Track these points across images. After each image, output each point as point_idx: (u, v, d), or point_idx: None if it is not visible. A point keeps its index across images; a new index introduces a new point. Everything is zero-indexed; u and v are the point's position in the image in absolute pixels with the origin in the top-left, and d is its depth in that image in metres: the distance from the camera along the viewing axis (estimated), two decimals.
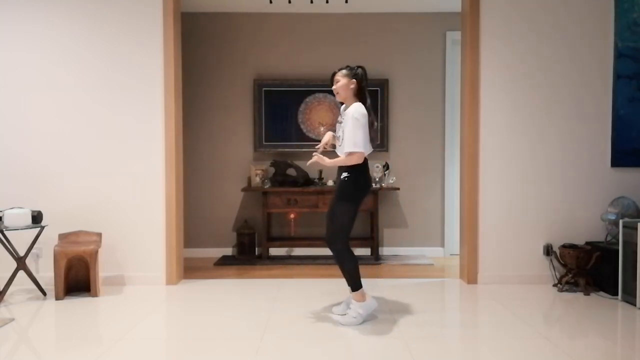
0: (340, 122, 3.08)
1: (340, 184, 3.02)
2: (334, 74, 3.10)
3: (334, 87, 3.10)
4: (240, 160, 5.26)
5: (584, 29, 4.00)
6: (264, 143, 5.22)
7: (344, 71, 3.07)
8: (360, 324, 3.00)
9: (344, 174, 3.00)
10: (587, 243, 3.93)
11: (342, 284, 4.06)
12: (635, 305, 3.39)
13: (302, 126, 5.21)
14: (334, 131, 3.18)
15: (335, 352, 2.61)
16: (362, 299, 3.04)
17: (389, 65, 5.24)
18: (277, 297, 3.65)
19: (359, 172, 3.01)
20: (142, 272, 3.99)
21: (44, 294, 3.67)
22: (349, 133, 2.94)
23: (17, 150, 3.94)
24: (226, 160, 5.27)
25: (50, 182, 3.95)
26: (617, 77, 3.98)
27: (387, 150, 5.22)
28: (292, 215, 4.98)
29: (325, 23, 5.24)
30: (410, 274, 4.43)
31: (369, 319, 3.08)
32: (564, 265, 3.83)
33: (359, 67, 3.10)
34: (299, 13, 5.20)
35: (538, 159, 4.03)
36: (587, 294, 3.70)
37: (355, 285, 3.04)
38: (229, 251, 5.30)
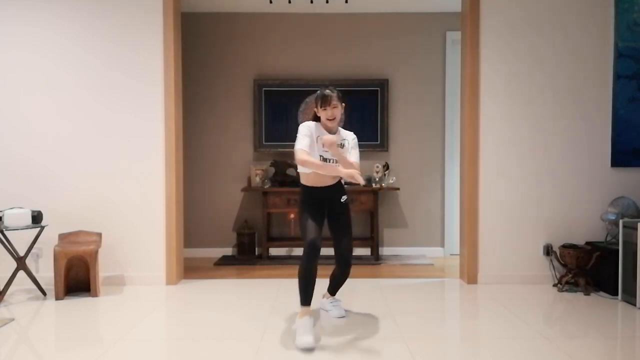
0: (342, 145, 2.99)
1: (346, 207, 3.06)
2: (329, 96, 2.93)
3: (332, 113, 2.94)
4: (240, 160, 5.26)
5: (584, 29, 4.00)
6: (264, 143, 5.22)
7: (336, 95, 2.96)
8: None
9: (345, 197, 3.05)
10: (587, 243, 3.93)
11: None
12: (635, 305, 3.39)
13: None
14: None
15: (335, 352, 2.61)
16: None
17: (389, 65, 5.25)
18: (277, 297, 3.65)
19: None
20: (142, 272, 3.99)
21: (44, 294, 3.67)
22: (356, 150, 3.04)
23: (17, 150, 3.95)
24: (226, 160, 5.28)
25: (50, 182, 3.95)
26: (617, 77, 3.98)
27: (387, 150, 5.22)
28: (292, 215, 4.98)
29: (325, 23, 5.25)
30: (410, 274, 4.43)
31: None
32: (564, 265, 3.83)
33: (334, 88, 3.03)
34: (299, 13, 5.20)
35: (538, 159, 4.03)
36: (587, 294, 3.70)
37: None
38: (229, 251, 5.30)
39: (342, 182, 3.08)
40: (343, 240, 3.01)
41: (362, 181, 2.75)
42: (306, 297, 2.81)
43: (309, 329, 2.70)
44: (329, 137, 2.86)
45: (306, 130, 2.94)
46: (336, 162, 2.92)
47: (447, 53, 5.22)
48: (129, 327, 2.99)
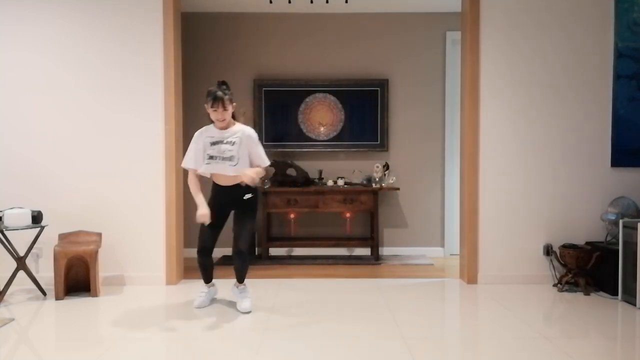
0: (224, 142, 3.14)
1: (247, 204, 3.26)
2: (220, 98, 3.07)
3: (222, 115, 3.10)
4: None
5: (584, 29, 4.00)
6: (264, 143, 5.15)
7: (227, 96, 3.10)
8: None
9: (248, 195, 3.22)
10: (587, 243, 3.93)
11: (342, 283, 4.07)
12: (635, 305, 3.39)
13: (302, 126, 5.22)
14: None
15: (335, 352, 2.61)
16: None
17: (389, 65, 5.25)
18: (277, 297, 3.65)
19: (256, 190, 3.32)
20: (142, 272, 3.99)
21: (44, 294, 3.67)
22: (258, 150, 3.22)
23: (17, 150, 3.94)
24: None
25: (50, 182, 3.95)
26: (617, 77, 3.98)
27: (387, 150, 5.22)
28: (292, 215, 4.98)
29: (325, 23, 5.25)
30: (410, 274, 4.43)
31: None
32: (564, 265, 3.83)
33: (223, 84, 3.14)
34: (299, 13, 5.20)
35: (538, 158, 4.03)
36: (587, 294, 3.70)
37: (244, 278, 3.35)
38: (229, 251, 5.24)
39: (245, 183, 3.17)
40: (238, 234, 3.23)
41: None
42: (205, 278, 3.43)
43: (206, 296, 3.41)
44: (247, 175, 3.10)
45: (194, 138, 3.22)
46: (224, 159, 3.13)
47: (447, 53, 5.22)
48: (129, 327, 2.99)
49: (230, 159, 3.13)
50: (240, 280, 3.36)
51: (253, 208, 3.29)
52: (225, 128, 3.19)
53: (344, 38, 5.24)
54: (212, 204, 3.27)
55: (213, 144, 3.15)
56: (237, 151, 3.13)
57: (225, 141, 3.13)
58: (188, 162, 3.25)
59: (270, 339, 2.77)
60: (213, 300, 3.53)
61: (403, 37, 5.24)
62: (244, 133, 3.17)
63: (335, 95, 5.20)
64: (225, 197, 3.27)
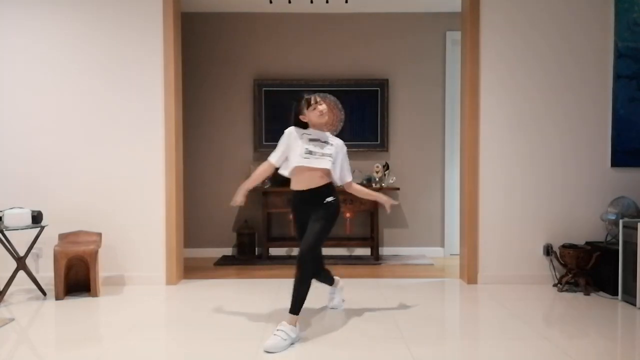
0: (322, 141, 3.01)
1: (325, 208, 2.94)
2: (311, 96, 3.01)
3: (322, 108, 2.99)
4: (240, 160, 5.26)
5: (584, 29, 4.00)
6: (264, 143, 5.21)
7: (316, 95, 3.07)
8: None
9: (330, 199, 2.96)
10: (587, 243, 3.93)
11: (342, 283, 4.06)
12: (635, 305, 3.39)
13: None
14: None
15: (335, 352, 2.61)
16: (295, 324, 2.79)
17: (389, 65, 5.25)
18: (277, 297, 3.65)
19: (338, 199, 3.04)
20: (142, 272, 3.99)
21: (44, 294, 3.67)
22: (347, 163, 3.11)
23: (17, 150, 3.94)
24: (226, 160, 5.27)
25: (50, 182, 3.95)
26: (617, 77, 3.98)
27: (387, 150, 5.22)
28: (292, 215, 4.97)
29: (325, 23, 5.25)
30: (410, 274, 4.43)
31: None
32: (564, 265, 3.83)
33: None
34: (299, 13, 5.20)
35: (538, 158, 4.03)
36: (587, 294, 3.70)
37: (294, 304, 2.81)
38: (229, 251, 5.30)
39: (330, 185, 3.00)
40: (305, 237, 2.89)
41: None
42: (326, 283, 3.35)
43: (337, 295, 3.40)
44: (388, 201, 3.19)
45: (284, 137, 3.05)
46: (323, 155, 2.95)
47: (447, 53, 5.21)
48: (129, 327, 2.99)
49: (330, 155, 2.96)
50: (291, 306, 2.81)
51: (328, 214, 2.94)
52: (324, 129, 3.07)
53: (344, 38, 5.24)
54: (295, 222, 3.12)
55: (312, 140, 2.99)
56: (334, 154, 3.00)
57: (323, 140, 3.01)
58: (273, 157, 3.10)
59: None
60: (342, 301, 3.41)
61: (403, 37, 5.24)
62: (338, 143, 3.07)
63: (335, 95, 5.20)
64: (305, 206, 3.00)
